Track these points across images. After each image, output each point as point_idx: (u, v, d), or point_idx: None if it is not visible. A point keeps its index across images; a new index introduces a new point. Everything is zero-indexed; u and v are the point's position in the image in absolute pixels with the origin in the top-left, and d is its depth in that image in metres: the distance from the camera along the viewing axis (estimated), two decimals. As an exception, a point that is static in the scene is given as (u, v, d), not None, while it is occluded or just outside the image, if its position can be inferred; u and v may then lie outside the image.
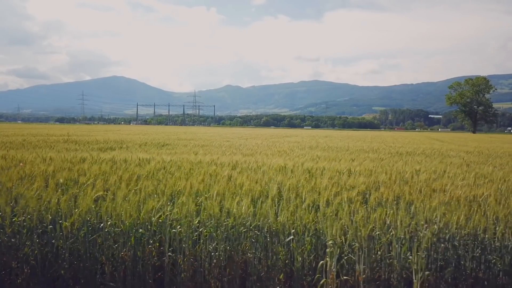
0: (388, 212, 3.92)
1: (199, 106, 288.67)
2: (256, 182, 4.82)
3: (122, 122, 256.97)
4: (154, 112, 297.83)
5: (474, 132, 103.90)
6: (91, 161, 6.58)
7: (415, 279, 3.48)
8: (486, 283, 3.79)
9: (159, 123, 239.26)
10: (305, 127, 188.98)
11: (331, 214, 3.83)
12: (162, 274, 3.88)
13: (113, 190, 4.33)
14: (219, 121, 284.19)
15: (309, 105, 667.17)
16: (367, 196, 4.65)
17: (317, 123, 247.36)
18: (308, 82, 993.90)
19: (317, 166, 6.98)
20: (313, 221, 3.89)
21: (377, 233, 3.75)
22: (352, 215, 3.89)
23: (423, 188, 4.98)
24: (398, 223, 3.77)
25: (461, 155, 13.93)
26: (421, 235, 3.73)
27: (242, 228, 3.82)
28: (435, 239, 3.75)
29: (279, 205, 4.19)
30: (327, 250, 3.58)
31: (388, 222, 3.87)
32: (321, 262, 3.60)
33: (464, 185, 5.37)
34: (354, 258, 3.61)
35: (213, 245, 3.84)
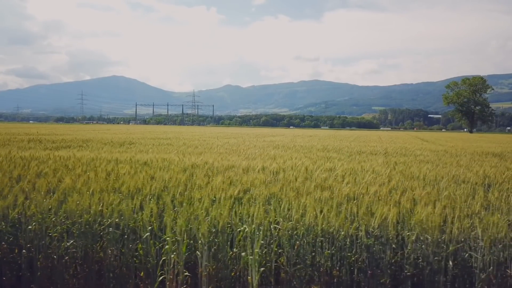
0: (248, 209, 3.89)
1: (198, 106, 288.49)
2: (140, 179, 4.79)
3: (122, 122, 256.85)
4: (153, 112, 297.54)
5: (471, 131, 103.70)
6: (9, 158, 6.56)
7: (249, 275, 3.45)
8: (343, 279, 3.76)
9: (158, 123, 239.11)
10: (303, 127, 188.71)
11: (184, 210, 3.80)
12: (21, 272, 3.86)
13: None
14: (219, 121, 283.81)
15: (308, 104, 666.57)
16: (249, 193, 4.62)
17: (316, 122, 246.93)
18: (307, 82, 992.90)
19: (245, 164, 6.97)
20: (174, 218, 3.86)
21: (229, 229, 3.72)
22: (212, 212, 3.86)
23: (314, 186, 4.95)
24: (255, 219, 3.75)
25: (424, 154, 13.92)
26: (274, 232, 3.70)
27: (97, 225, 3.79)
28: (288, 235, 3.72)
29: (148, 202, 4.16)
30: (166, 246, 3.56)
31: (249, 219, 3.83)
32: (163, 258, 3.57)
33: (361, 183, 5.35)
34: (199, 254, 3.58)
35: (71, 242, 3.81)
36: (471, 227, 3.88)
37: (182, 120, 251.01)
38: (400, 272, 3.82)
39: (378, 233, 3.79)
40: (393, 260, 3.82)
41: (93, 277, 3.82)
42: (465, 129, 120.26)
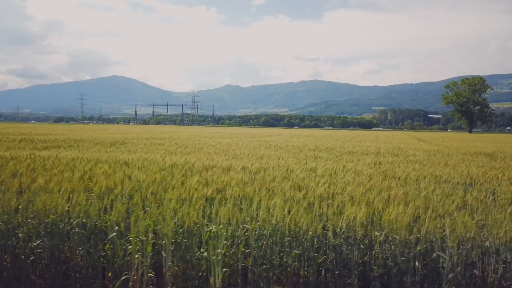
0: (218, 209, 3.86)
1: (197, 106, 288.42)
2: (115, 179, 4.77)
3: (121, 122, 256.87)
4: (153, 112, 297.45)
5: (470, 131, 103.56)
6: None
7: (211, 276, 3.43)
8: (310, 280, 3.73)
9: (158, 123, 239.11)
10: (304, 127, 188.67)
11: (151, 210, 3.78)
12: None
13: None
14: (218, 121, 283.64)
15: (308, 104, 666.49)
16: (223, 192, 4.60)
17: (316, 122, 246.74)
18: (308, 82, 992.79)
19: (227, 164, 6.95)
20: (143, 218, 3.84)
21: (197, 229, 3.70)
22: (179, 212, 3.83)
23: (290, 185, 4.93)
24: (221, 219, 3.73)
25: (416, 154, 13.88)
26: (240, 232, 3.68)
27: (64, 225, 3.77)
28: (256, 235, 3.70)
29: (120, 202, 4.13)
30: (129, 246, 3.54)
31: (220, 219, 3.81)
32: (128, 258, 3.55)
33: (339, 183, 5.33)
34: (163, 254, 3.56)
35: (37, 242, 3.79)
36: (441, 228, 3.85)
37: (182, 120, 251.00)
38: (369, 272, 3.80)
39: (346, 233, 3.77)
40: (361, 261, 3.80)
41: (60, 277, 3.80)
42: (465, 129, 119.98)
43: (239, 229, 3.73)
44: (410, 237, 3.71)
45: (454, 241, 3.69)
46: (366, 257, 3.86)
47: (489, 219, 4.05)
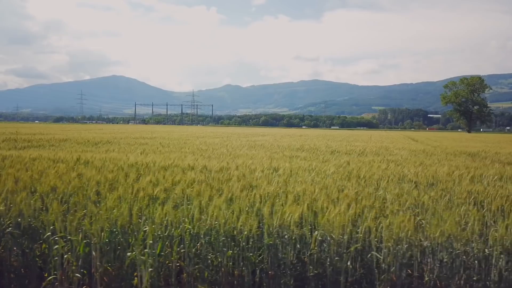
0: (155, 209, 3.83)
1: (197, 105, 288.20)
2: (64, 178, 4.74)
3: (121, 122, 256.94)
4: (152, 112, 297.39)
5: (469, 131, 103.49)
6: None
7: (138, 276, 3.40)
8: (245, 280, 3.70)
9: (158, 122, 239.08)
10: (303, 127, 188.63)
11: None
12: None
13: None
14: (218, 121, 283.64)
15: (308, 104, 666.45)
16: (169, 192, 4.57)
17: (316, 122, 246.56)
18: (307, 82, 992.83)
19: (191, 164, 6.92)
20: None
21: (130, 228, 3.67)
22: (115, 212, 3.80)
23: (241, 185, 4.90)
24: (155, 219, 3.69)
25: (400, 153, 13.85)
26: (175, 232, 3.65)
27: (-2, 225, 3.74)
28: (190, 235, 3.67)
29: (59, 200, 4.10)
30: (56, 246, 3.51)
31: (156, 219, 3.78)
32: (55, 258, 3.51)
33: (292, 183, 5.30)
34: (94, 254, 3.53)
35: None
36: (380, 227, 3.82)
37: (181, 120, 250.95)
38: (305, 272, 3.77)
39: (281, 233, 3.74)
40: (295, 261, 3.76)
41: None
42: (464, 129, 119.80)
43: (173, 229, 3.70)
44: (344, 237, 3.67)
45: (389, 241, 3.66)
46: (305, 257, 3.83)
47: (429, 219, 4.01)
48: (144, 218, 3.85)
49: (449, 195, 5.36)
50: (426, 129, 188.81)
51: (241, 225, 3.73)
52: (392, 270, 3.65)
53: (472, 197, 5.20)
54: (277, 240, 3.74)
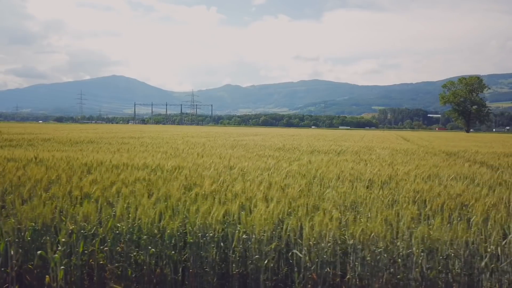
0: (82, 207, 3.84)
1: (196, 105, 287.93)
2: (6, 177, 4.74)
3: (121, 122, 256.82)
4: (152, 112, 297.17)
5: (467, 131, 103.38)
6: None
7: (50, 274, 3.41)
8: (167, 278, 3.70)
9: (157, 122, 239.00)
10: (303, 127, 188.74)
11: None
12: None
13: None
14: (218, 121, 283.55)
15: (308, 104, 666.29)
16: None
17: (315, 122, 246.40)
18: (307, 82, 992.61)
19: (146, 163, 6.94)
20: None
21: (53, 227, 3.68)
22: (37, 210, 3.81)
23: (182, 184, 4.90)
24: (79, 217, 3.70)
25: (380, 153, 13.84)
26: (100, 230, 3.66)
27: None
28: (112, 233, 3.67)
29: None
30: None
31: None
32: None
33: (240, 181, 5.31)
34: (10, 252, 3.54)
35: None
36: (300, 225, 3.82)
37: (181, 119, 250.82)
38: (228, 270, 3.77)
39: (204, 231, 3.74)
40: (217, 259, 3.76)
41: None
42: (463, 129, 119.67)
43: (94, 228, 3.70)
44: (264, 236, 3.67)
45: (308, 239, 3.66)
46: (230, 255, 3.82)
47: (357, 218, 4.01)
48: (69, 216, 3.85)
49: (396, 193, 5.37)
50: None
51: (164, 224, 3.73)
52: (312, 268, 3.65)
53: (418, 196, 5.20)
54: (200, 239, 3.74)
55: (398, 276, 3.76)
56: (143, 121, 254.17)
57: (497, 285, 3.71)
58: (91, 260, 3.75)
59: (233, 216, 3.92)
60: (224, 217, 3.84)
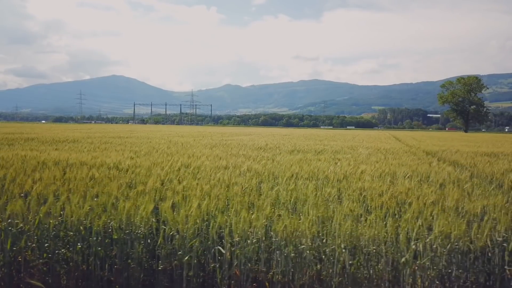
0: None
1: (196, 105, 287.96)
2: None
3: (121, 122, 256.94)
4: (151, 112, 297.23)
5: (466, 131, 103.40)
6: None
7: None
8: (93, 274, 3.75)
9: (156, 122, 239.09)
10: (302, 127, 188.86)
11: None
12: None
13: None
14: (217, 121, 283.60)
15: (308, 104, 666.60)
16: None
17: (315, 122, 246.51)
18: (307, 82, 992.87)
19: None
20: None
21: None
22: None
23: (125, 182, 4.95)
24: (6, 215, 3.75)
25: (359, 152, 13.88)
26: (26, 226, 3.70)
27: None
28: (38, 230, 3.73)
29: None
30: None
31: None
32: None
33: (189, 179, 5.36)
34: None
35: None
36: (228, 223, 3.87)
37: (180, 119, 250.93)
38: (154, 267, 3.83)
39: (130, 228, 3.79)
40: (144, 255, 3.82)
41: None
42: (462, 129, 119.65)
43: (21, 225, 3.76)
44: (186, 232, 3.72)
45: (230, 236, 3.71)
46: (158, 252, 3.87)
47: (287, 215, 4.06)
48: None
49: (344, 191, 5.42)
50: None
51: (90, 221, 3.78)
52: (235, 264, 3.70)
53: (363, 194, 5.25)
54: (127, 235, 3.80)
55: (324, 273, 3.81)
56: (143, 121, 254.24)
57: (419, 281, 3.76)
58: (19, 257, 3.80)
59: (164, 213, 3.96)
60: (153, 214, 3.89)
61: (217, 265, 3.73)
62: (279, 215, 3.93)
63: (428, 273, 3.72)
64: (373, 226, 3.80)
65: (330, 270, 3.76)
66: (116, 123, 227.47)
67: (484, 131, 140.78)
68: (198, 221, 3.86)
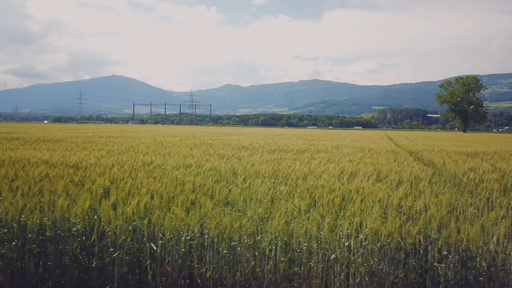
0: None
1: (195, 105, 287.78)
2: None
3: (120, 122, 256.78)
4: (151, 111, 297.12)
5: (464, 131, 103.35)
6: None
7: None
8: (28, 271, 3.79)
9: (156, 122, 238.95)
10: (302, 127, 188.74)
11: None
12: None
13: None
14: (217, 121, 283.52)
15: (308, 104, 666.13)
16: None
17: (315, 122, 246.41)
18: (307, 82, 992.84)
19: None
20: None
21: None
22: None
23: (76, 180, 4.99)
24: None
25: (343, 152, 13.91)
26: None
27: None
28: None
29: None
30: None
31: None
32: None
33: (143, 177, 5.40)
34: None
35: None
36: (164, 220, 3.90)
37: (180, 119, 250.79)
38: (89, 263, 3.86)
39: (65, 225, 3.83)
40: (78, 252, 3.85)
41: None
42: (461, 129, 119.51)
43: None
44: (117, 230, 3.75)
45: (160, 232, 3.74)
46: (92, 248, 3.91)
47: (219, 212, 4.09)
48: None
49: (297, 189, 5.46)
50: (429, 129, 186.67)
51: (24, 218, 3.82)
52: (167, 261, 3.73)
53: (315, 192, 5.28)
54: (62, 233, 3.83)
55: (257, 269, 3.84)
56: (142, 121, 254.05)
57: (350, 279, 3.79)
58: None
59: (102, 211, 4.00)
60: (93, 211, 3.94)
61: (149, 262, 3.76)
62: (219, 213, 3.96)
63: (360, 269, 3.75)
64: (304, 223, 3.84)
65: (265, 267, 3.79)
66: (116, 123, 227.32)
67: (481, 131, 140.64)
68: (135, 218, 3.90)
